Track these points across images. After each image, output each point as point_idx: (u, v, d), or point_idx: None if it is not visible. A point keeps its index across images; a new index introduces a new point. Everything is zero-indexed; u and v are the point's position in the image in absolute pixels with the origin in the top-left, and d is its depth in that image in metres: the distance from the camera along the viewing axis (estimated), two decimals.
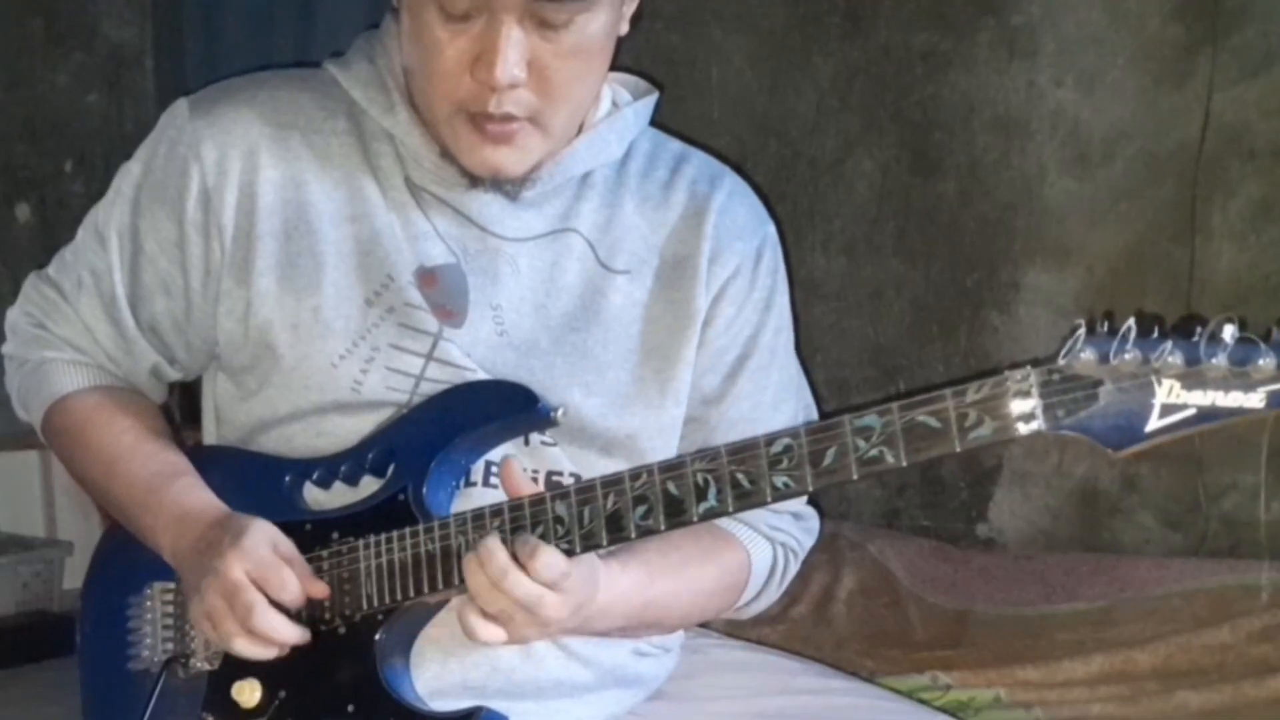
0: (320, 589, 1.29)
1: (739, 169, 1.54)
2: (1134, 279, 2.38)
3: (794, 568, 1.50)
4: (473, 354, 1.35)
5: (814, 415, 1.52)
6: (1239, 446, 2.29)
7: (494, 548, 1.19)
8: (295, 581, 1.27)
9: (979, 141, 2.55)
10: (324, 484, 1.35)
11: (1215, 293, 2.29)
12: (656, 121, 1.51)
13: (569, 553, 1.21)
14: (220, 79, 1.45)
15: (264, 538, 1.28)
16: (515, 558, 1.19)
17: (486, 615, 1.21)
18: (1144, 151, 2.38)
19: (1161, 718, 1.87)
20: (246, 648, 1.27)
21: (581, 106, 1.36)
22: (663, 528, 1.20)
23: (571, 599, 1.22)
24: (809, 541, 1.52)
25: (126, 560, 1.42)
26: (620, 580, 1.29)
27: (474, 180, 1.35)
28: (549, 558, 1.19)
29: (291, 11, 3.21)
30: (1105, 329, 1.05)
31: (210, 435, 1.47)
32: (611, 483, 1.21)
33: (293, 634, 1.27)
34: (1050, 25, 2.46)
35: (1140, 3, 2.38)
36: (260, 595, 1.25)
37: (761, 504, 1.17)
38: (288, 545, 1.30)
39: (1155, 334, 1.03)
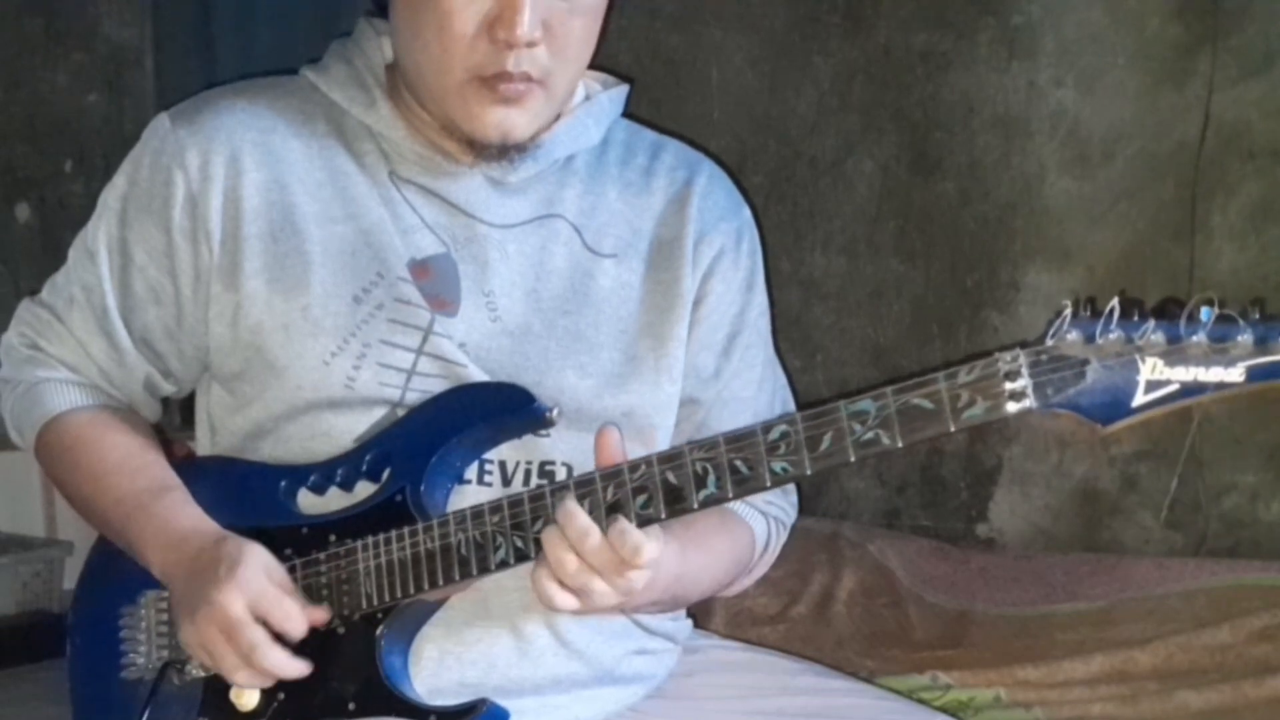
0: (321, 616, 1.29)
1: (739, 169, 1.56)
2: (1134, 279, 2.38)
3: (782, 538, 1.54)
4: (468, 342, 1.36)
5: (790, 402, 1.56)
6: (1239, 446, 2.29)
7: (588, 528, 1.18)
8: (299, 612, 1.27)
9: (979, 141, 2.55)
10: (319, 489, 1.35)
11: (1215, 293, 2.28)
12: (655, 119, 1.55)
13: None
14: (220, 79, 1.47)
15: (259, 567, 1.28)
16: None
17: (564, 585, 1.21)
18: (1144, 151, 2.38)
19: (1161, 718, 1.87)
20: (247, 680, 1.27)
21: (581, 70, 1.39)
22: (663, 516, 1.21)
23: (649, 570, 1.22)
24: (794, 514, 1.55)
25: (118, 569, 1.42)
26: (665, 553, 1.28)
27: (477, 150, 1.37)
28: (648, 546, 1.18)
29: (287, 13, 3.21)
30: (1088, 313, 1.09)
31: (204, 447, 1.47)
32: (611, 474, 1.22)
33: (295, 668, 1.27)
34: (1050, 25, 2.46)
35: (1140, 3, 2.38)
36: (263, 633, 1.26)
37: (761, 489, 1.19)
38: (281, 573, 1.30)
39: (1137, 316, 1.08)
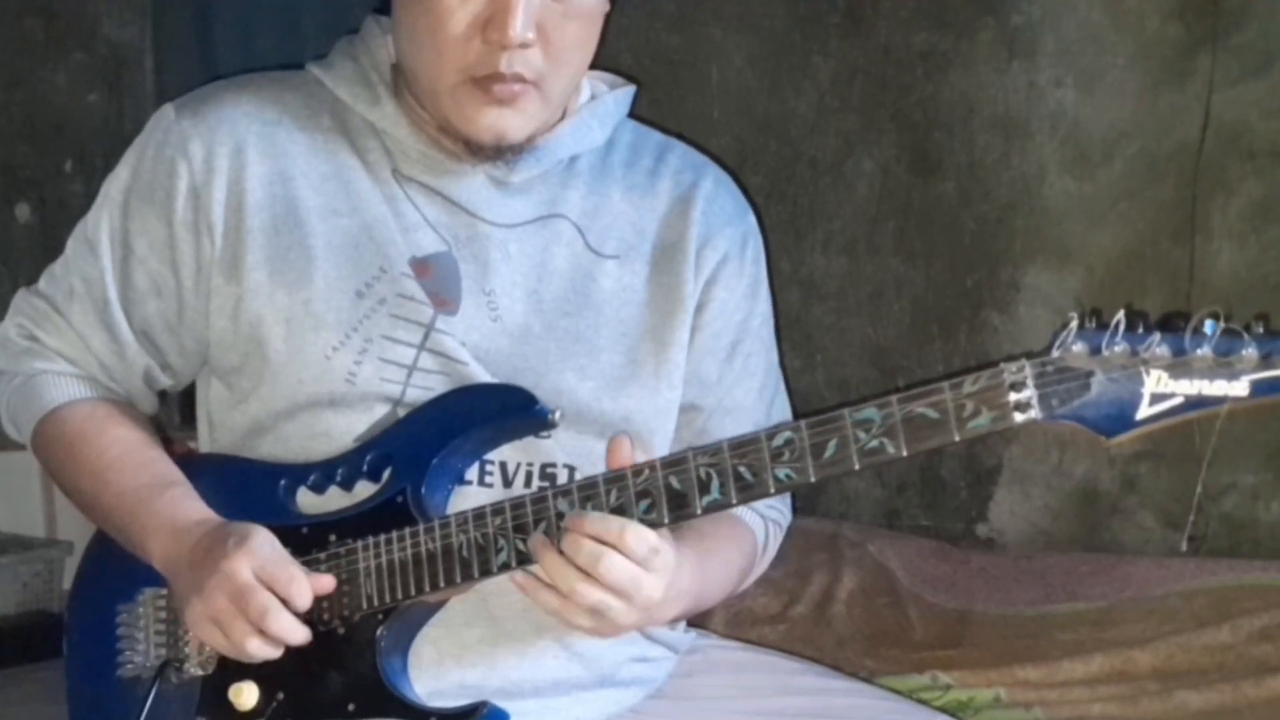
0: (328, 582, 1.29)
1: (739, 169, 1.55)
2: (1134, 279, 2.38)
3: (779, 540, 1.55)
4: (467, 341, 1.36)
5: (788, 411, 1.55)
6: (1239, 446, 2.29)
7: (580, 539, 1.19)
8: (304, 579, 1.27)
9: (979, 141, 2.55)
10: (319, 489, 1.35)
11: (1215, 293, 2.29)
12: (655, 119, 1.55)
13: None
14: (219, 79, 1.47)
15: (266, 539, 1.29)
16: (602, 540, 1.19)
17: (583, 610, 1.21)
18: (1144, 151, 2.38)
19: (1161, 718, 1.87)
20: (259, 649, 1.27)
21: (578, 74, 1.39)
22: (666, 521, 1.21)
23: (663, 578, 1.22)
24: (790, 516, 1.56)
25: (116, 568, 1.42)
26: (684, 564, 1.29)
27: (473, 150, 1.36)
28: (640, 532, 1.19)
29: (288, 13, 3.21)
30: (1094, 324, 1.09)
31: (205, 442, 1.47)
32: (614, 479, 1.23)
33: (302, 634, 1.28)
34: (1050, 25, 2.46)
35: (1140, 3, 2.38)
36: (273, 598, 1.26)
37: (764, 496, 1.20)
38: (284, 550, 1.30)
39: (1142, 328, 1.09)
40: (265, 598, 1.25)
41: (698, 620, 1.60)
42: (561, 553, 1.21)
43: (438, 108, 1.36)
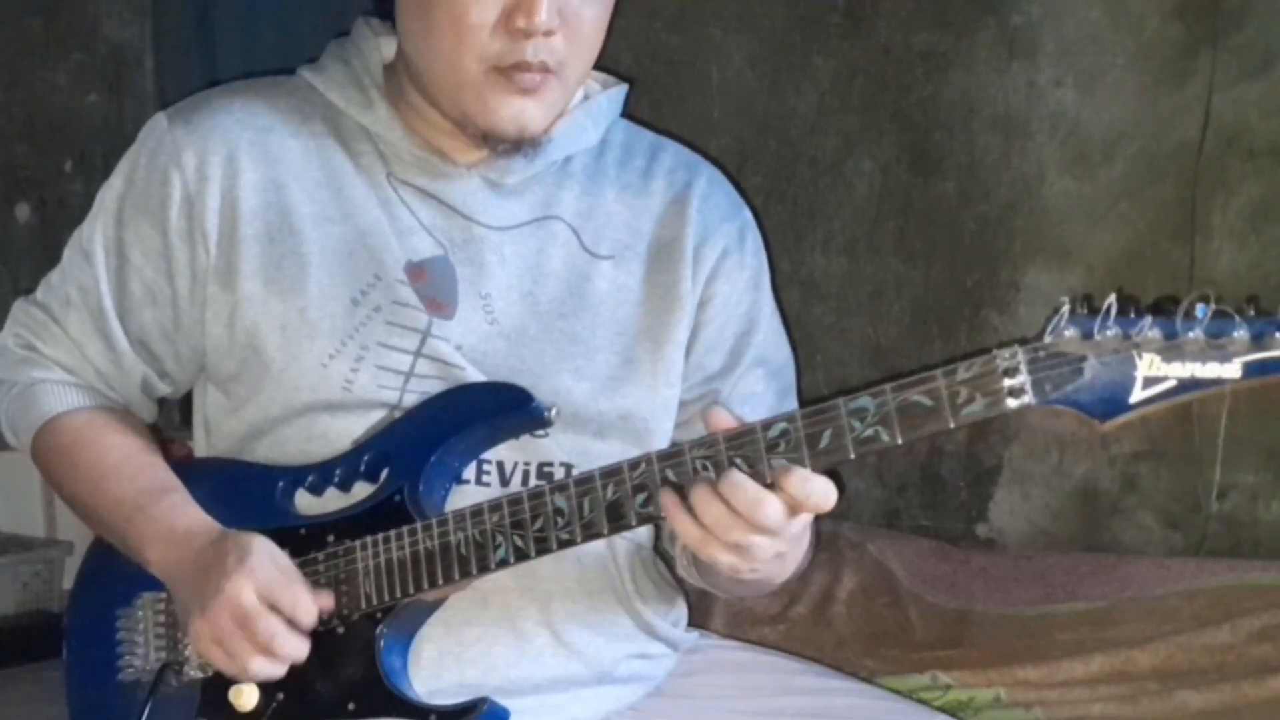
0: (327, 603, 1.30)
1: (739, 169, 1.55)
2: (1134, 279, 2.38)
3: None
4: (464, 345, 1.36)
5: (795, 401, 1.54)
6: (1239, 446, 2.29)
7: (740, 481, 1.15)
8: (308, 598, 1.27)
9: (979, 141, 2.55)
10: (317, 490, 1.35)
11: (1215, 293, 2.29)
12: (655, 119, 1.55)
13: (569, 543, 1.22)
14: (220, 79, 1.47)
15: (267, 555, 1.28)
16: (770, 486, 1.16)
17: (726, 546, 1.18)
18: (1144, 151, 2.38)
19: (1161, 718, 1.87)
20: (263, 668, 1.27)
21: (591, 61, 1.39)
22: (664, 515, 1.21)
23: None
24: None
25: (115, 572, 1.42)
26: None
27: (492, 144, 1.36)
28: (819, 484, 1.16)
29: (288, 13, 3.21)
30: (1086, 310, 1.09)
31: (201, 447, 1.47)
32: (610, 473, 1.22)
33: (305, 650, 1.27)
34: (1050, 25, 2.46)
35: (1140, 3, 2.38)
36: (279, 620, 1.26)
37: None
38: (287, 561, 1.30)
39: (1134, 312, 1.08)
40: (271, 623, 1.25)
41: (698, 620, 1.60)
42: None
43: (457, 102, 1.35)
